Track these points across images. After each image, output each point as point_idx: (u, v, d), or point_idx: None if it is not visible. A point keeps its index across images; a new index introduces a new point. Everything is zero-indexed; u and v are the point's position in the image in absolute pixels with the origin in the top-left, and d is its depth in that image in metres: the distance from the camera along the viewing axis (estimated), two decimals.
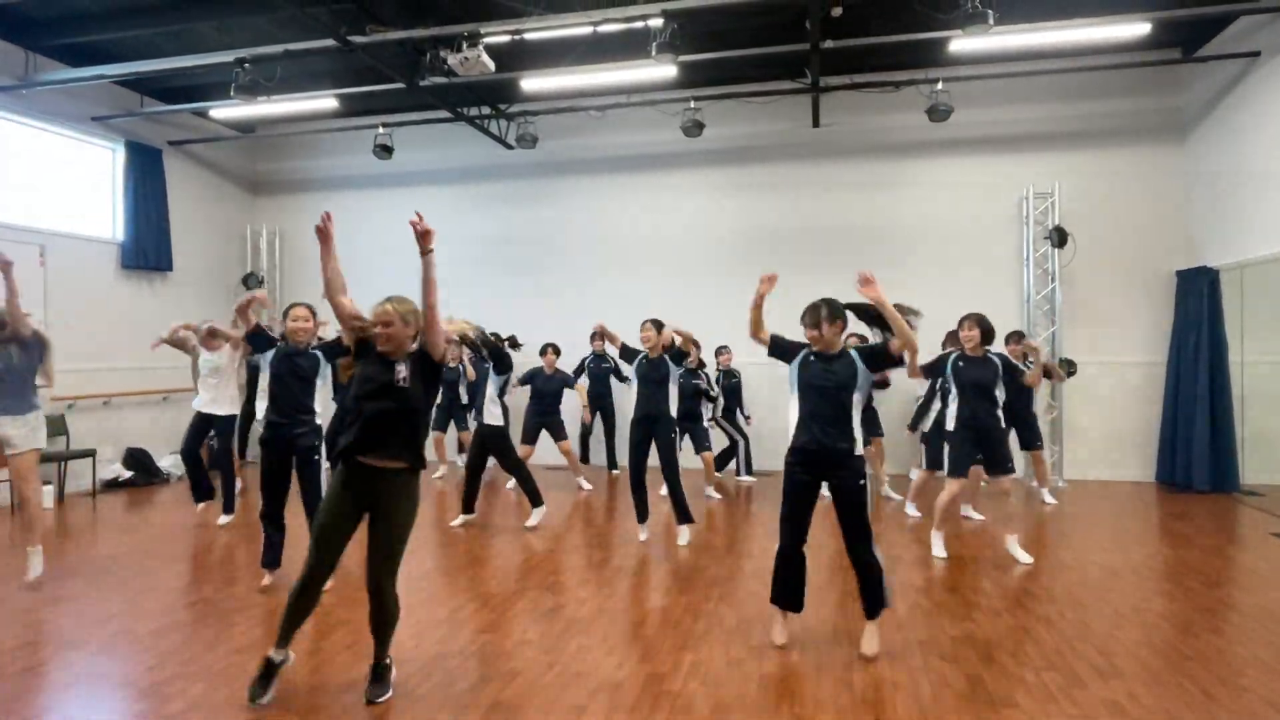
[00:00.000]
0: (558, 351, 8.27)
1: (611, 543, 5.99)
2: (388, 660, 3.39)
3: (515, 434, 7.28)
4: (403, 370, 3.29)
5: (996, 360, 5.44)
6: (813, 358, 3.95)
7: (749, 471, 8.62)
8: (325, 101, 8.59)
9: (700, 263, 9.68)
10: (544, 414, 8.04)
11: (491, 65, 6.69)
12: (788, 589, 3.91)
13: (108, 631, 4.14)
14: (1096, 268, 8.62)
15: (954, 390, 5.45)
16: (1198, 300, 7.92)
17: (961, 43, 6.87)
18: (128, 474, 8.60)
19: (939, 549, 5.50)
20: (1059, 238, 8.43)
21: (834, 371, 3.86)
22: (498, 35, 6.66)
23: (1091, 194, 8.66)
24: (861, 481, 3.77)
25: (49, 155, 8.59)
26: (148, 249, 9.34)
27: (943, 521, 5.55)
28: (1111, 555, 5.53)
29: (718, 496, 7.73)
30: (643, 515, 5.93)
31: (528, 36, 6.74)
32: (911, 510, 6.81)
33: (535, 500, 6.52)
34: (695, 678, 3.53)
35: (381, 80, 8.23)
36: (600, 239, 10.01)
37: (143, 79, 8.76)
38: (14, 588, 4.88)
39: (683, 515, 5.89)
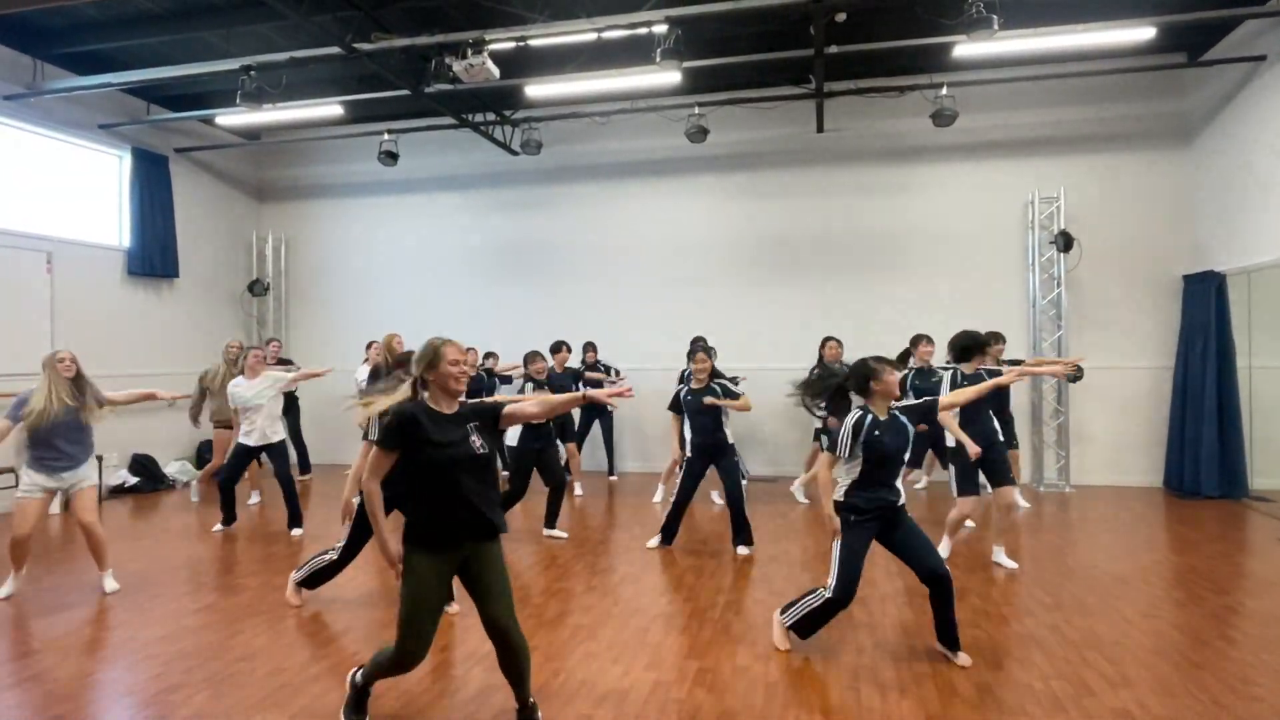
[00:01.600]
0: (569, 349, 8.34)
1: (615, 549, 5.98)
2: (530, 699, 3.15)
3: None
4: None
5: (984, 374, 5.28)
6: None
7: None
8: (330, 108, 8.61)
9: (705, 268, 9.68)
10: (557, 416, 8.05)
11: (496, 72, 6.71)
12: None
13: (114, 639, 4.14)
14: (1102, 272, 8.59)
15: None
16: (1205, 305, 7.88)
17: (966, 47, 6.86)
18: (134, 480, 8.62)
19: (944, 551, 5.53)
20: (1064, 242, 8.41)
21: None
22: (502, 42, 6.67)
23: (1097, 198, 8.64)
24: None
25: (56, 163, 8.63)
26: (154, 256, 9.38)
27: (953, 530, 5.57)
28: (1120, 562, 5.50)
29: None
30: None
31: (532, 43, 6.75)
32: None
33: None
34: (701, 685, 3.51)
35: (387, 87, 8.26)
36: (605, 245, 10.01)
37: (149, 87, 8.81)
38: (20, 596, 4.89)
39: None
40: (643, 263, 9.88)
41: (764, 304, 9.40)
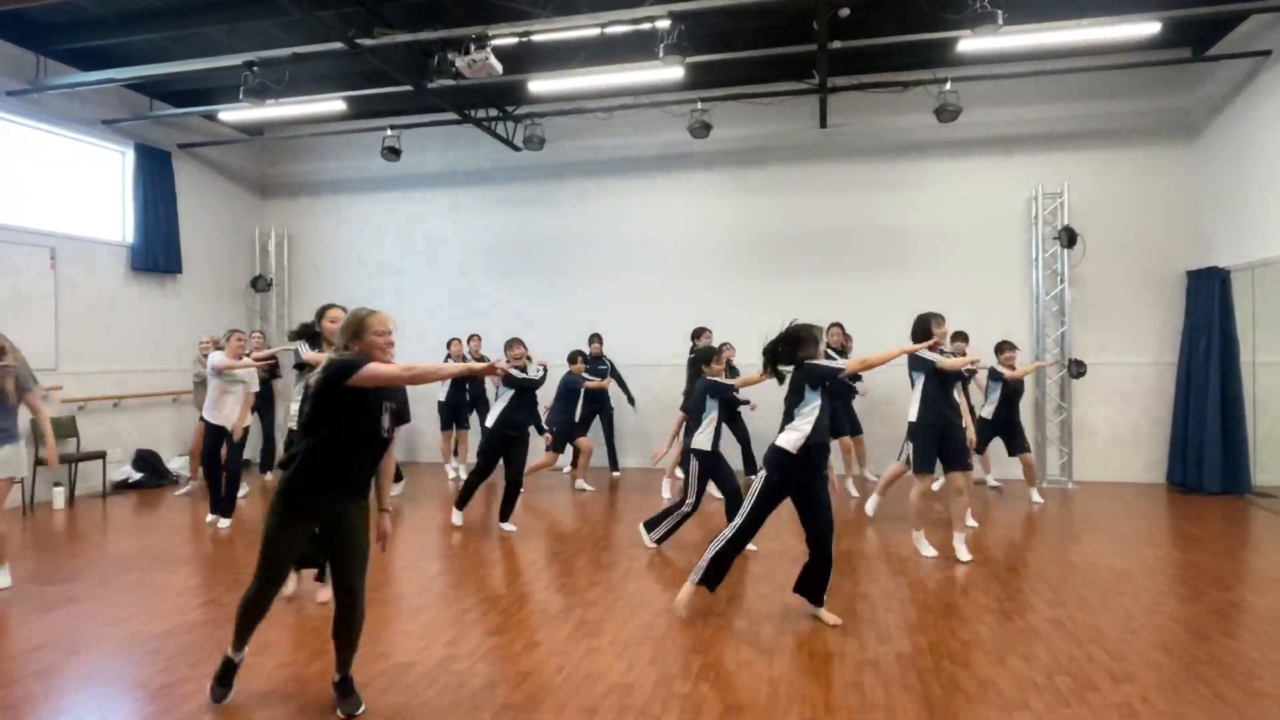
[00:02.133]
0: (586, 360, 8.11)
1: (619, 545, 5.99)
2: (351, 675, 3.32)
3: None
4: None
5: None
6: None
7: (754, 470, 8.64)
8: (333, 104, 8.61)
9: (708, 264, 9.68)
10: (573, 414, 8.06)
11: (499, 67, 6.70)
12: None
13: (120, 633, 4.15)
14: (1106, 268, 8.58)
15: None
16: (1209, 301, 7.87)
17: (970, 43, 6.85)
18: (137, 475, 8.64)
19: (927, 549, 5.58)
20: (1068, 238, 8.39)
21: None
22: (505, 37, 6.66)
23: (1101, 194, 8.62)
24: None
25: (60, 159, 8.64)
26: (157, 252, 9.39)
27: (920, 520, 5.67)
28: (1122, 557, 5.50)
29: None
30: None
31: (535, 38, 6.75)
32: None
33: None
34: (705, 680, 3.52)
35: (389, 83, 8.25)
36: (607, 240, 10.01)
37: (152, 82, 8.81)
38: (24, 591, 4.91)
39: None
40: (645, 259, 9.88)
41: (767, 299, 9.37)
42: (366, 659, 3.75)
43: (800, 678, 3.54)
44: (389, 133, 9.20)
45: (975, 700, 3.29)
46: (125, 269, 9.15)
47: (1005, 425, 7.39)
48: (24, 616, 4.44)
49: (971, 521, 6.56)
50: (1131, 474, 8.55)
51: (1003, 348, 7.44)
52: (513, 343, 6.61)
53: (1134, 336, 8.59)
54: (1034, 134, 8.85)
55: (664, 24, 6.39)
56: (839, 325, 7.88)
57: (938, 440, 5.47)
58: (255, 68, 7.20)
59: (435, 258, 10.54)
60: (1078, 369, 8.35)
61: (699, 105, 8.48)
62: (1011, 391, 7.37)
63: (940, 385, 5.48)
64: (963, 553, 5.43)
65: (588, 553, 5.78)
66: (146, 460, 8.85)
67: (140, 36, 7.72)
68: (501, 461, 6.39)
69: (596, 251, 10.03)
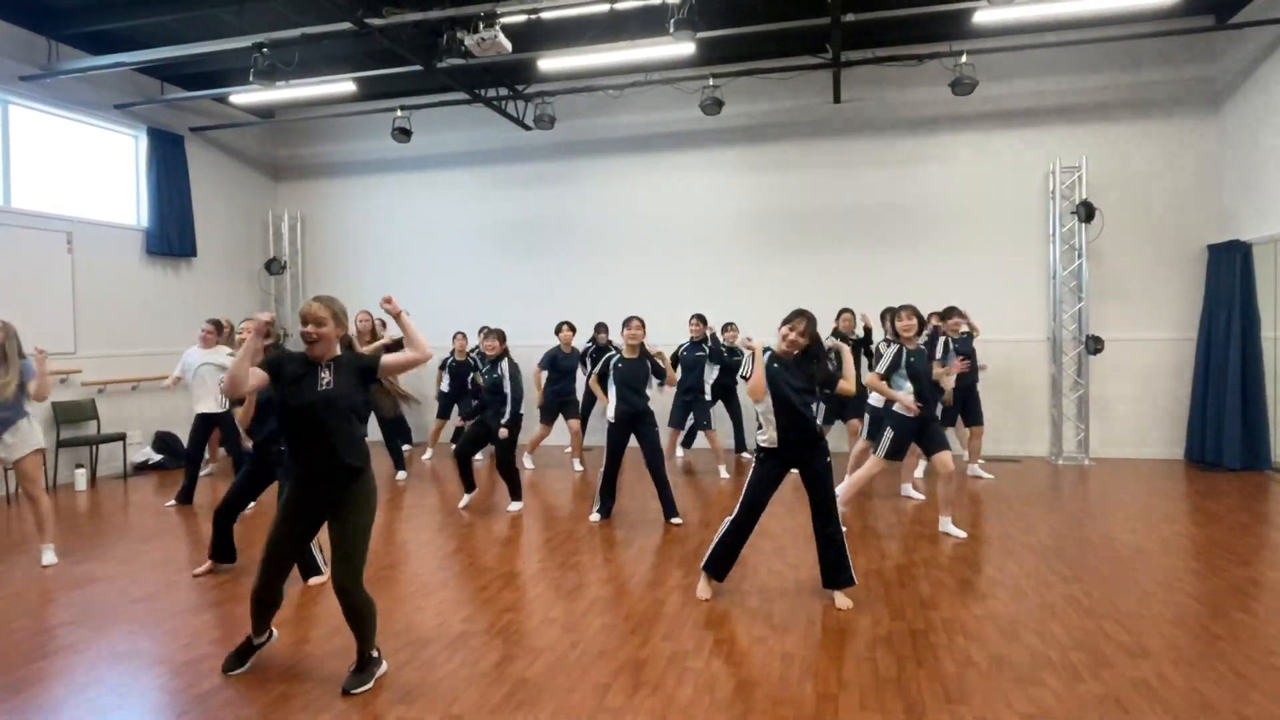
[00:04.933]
0: (573, 329, 8.28)
1: (632, 522, 6.01)
2: (373, 653, 3.36)
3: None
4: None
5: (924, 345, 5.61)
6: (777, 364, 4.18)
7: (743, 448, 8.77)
8: (344, 85, 8.58)
9: (721, 241, 9.63)
10: (563, 392, 8.17)
11: (508, 46, 6.65)
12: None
13: (142, 611, 4.22)
14: (1125, 242, 8.46)
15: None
16: (1229, 275, 7.75)
17: (986, 14, 6.71)
18: (157, 457, 8.76)
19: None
20: (1086, 212, 8.27)
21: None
22: (514, 15, 6.61)
23: (1120, 167, 8.48)
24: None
25: (73, 143, 8.68)
26: (171, 235, 9.44)
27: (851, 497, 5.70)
28: (1140, 534, 5.47)
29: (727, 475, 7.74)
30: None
31: (544, 16, 6.69)
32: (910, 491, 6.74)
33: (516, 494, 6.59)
34: (719, 656, 3.54)
35: (399, 63, 8.21)
36: (619, 219, 9.97)
37: (163, 66, 8.81)
38: (49, 570, 5.00)
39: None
40: (658, 237, 9.83)
41: (781, 276, 9.33)
42: (384, 635, 3.79)
43: (813, 653, 3.55)
44: (399, 113, 9.17)
45: (989, 676, 3.29)
46: (140, 252, 9.22)
47: (962, 394, 7.32)
48: (51, 594, 4.53)
49: (916, 494, 6.64)
50: (1150, 450, 8.47)
51: (949, 314, 7.27)
52: (486, 334, 6.59)
53: (1153, 312, 8.48)
54: (1051, 106, 8.70)
55: None
56: (850, 311, 7.81)
57: (916, 431, 5.45)
58: (265, 49, 7.18)
59: (446, 238, 10.54)
60: (1095, 345, 8.26)
61: (710, 81, 8.39)
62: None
63: (916, 380, 5.50)
64: (954, 530, 5.47)
65: (601, 531, 5.80)
66: (165, 442, 8.97)
67: (151, 19, 7.70)
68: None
69: (609, 230, 9.99)
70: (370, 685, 3.28)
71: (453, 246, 10.51)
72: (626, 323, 6.05)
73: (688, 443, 9.00)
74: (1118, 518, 5.96)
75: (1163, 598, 4.20)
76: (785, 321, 4.16)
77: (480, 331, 6.93)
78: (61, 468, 7.86)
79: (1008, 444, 8.79)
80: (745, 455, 8.67)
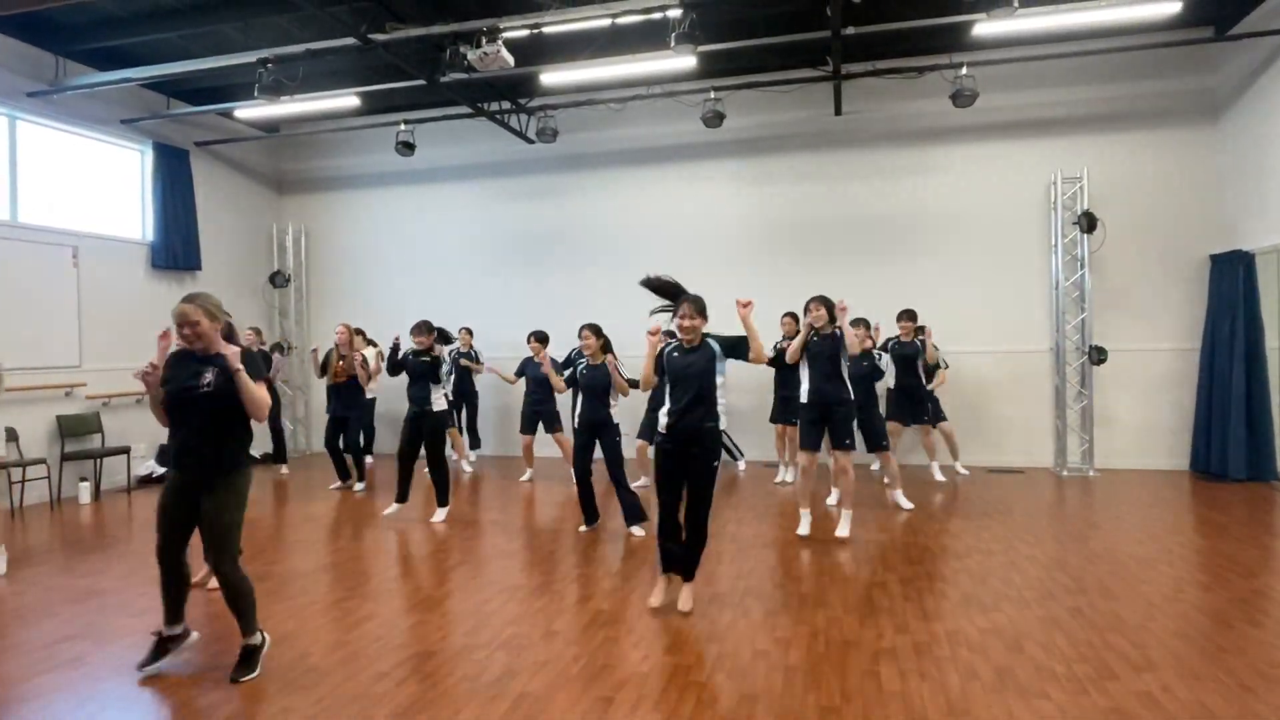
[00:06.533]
0: (543, 340, 8.03)
1: (633, 536, 6.00)
2: (255, 641, 3.54)
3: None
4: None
5: (839, 335, 5.66)
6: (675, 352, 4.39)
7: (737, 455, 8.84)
8: (347, 100, 8.65)
9: (723, 254, 9.64)
10: (539, 403, 8.21)
11: (511, 60, 6.70)
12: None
13: (145, 625, 4.22)
14: (1127, 253, 8.46)
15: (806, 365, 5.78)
16: (1233, 285, 7.74)
17: (986, 26, 6.74)
18: (161, 470, 8.77)
19: (805, 528, 5.81)
20: (1088, 223, 8.28)
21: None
22: (516, 30, 6.66)
23: (1121, 178, 8.49)
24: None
25: (80, 158, 8.76)
26: (176, 249, 9.50)
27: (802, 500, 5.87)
28: (1144, 545, 5.45)
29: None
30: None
31: (546, 30, 6.74)
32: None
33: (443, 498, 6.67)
34: (721, 669, 3.53)
35: (402, 77, 8.28)
36: (622, 232, 10.00)
37: (169, 81, 8.89)
38: (53, 584, 5.00)
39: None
40: (660, 249, 9.84)
41: (783, 289, 9.29)
42: (386, 649, 3.80)
43: (816, 667, 3.54)
44: (402, 127, 9.24)
45: (993, 689, 3.28)
46: (146, 266, 9.27)
47: (900, 394, 7.54)
48: (54, 608, 4.53)
49: (907, 504, 6.68)
50: (1154, 461, 8.44)
51: (900, 318, 7.58)
52: (417, 328, 6.65)
53: (1156, 322, 8.47)
54: (1052, 118, 8.73)
55: (675, 13, 6.36)
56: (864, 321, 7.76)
57: (818, 419, 5.69)
58: (270, 65, 7.25)
59: (450, 250, 10.58)
60: (1098, 356, 8.25)
61: (712, 94, 8.44)
62: (904, 360, 7.50)
63: (814, 366, 5.70)
64: (843, 529, 5.69)
65: (605, 543, 5.80)
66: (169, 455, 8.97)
67: (157, 35, 7.79)
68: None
69: (611, 242, 10.02)
70: (258, 671, 3.48)
71: (456, 259, 10.55)
72: (579, 332, 6.16)
73: None
74: (1122, 529, 5.93)
75: (1167, 610, 4.17)
76: (676, 312, 4.45)
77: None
78: (66, 481, 7.88)
79: (1012, 455, 8.77)
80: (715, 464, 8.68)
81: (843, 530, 5.71)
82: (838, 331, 5.60)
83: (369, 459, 9.15)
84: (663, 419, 4.28)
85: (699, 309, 4.41)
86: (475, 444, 9.69)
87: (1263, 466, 7.53)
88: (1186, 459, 8.30)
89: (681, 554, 4.30)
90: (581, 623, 4.15)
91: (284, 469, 9.25)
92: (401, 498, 6.64)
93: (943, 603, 4.34)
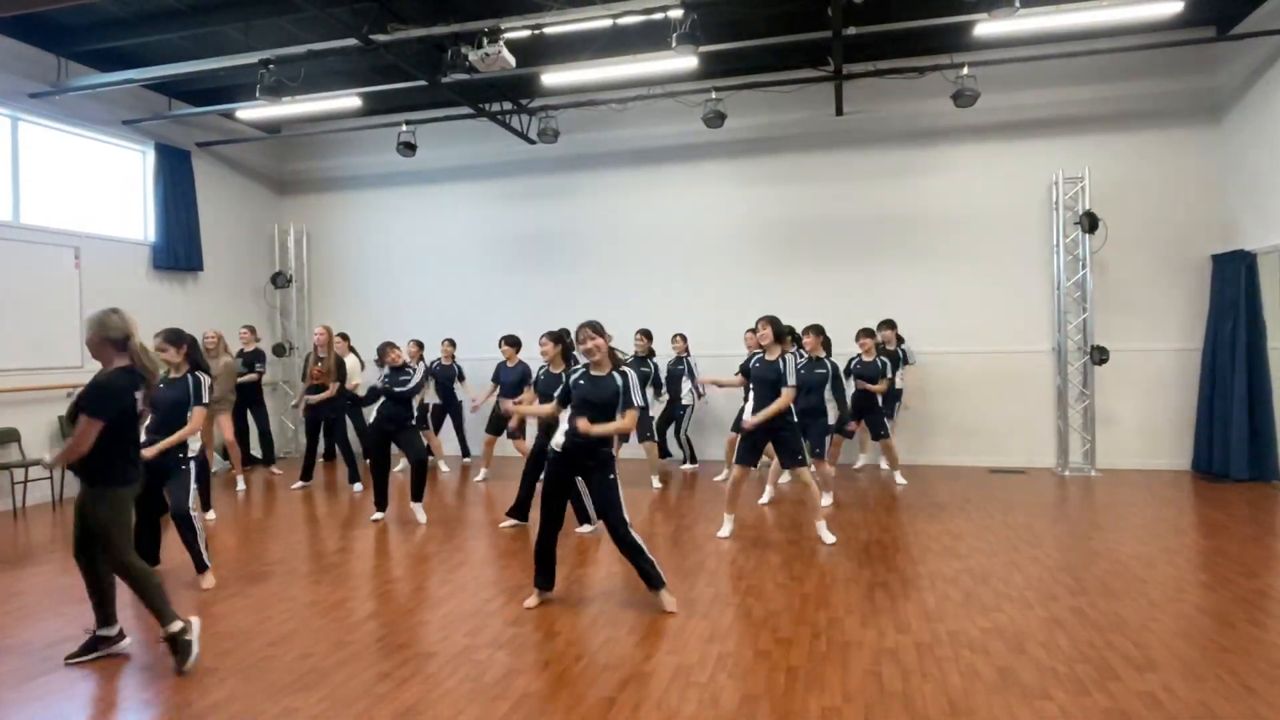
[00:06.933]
0: (514, 344, 8.09)
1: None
2: (175, 628, 3.62)
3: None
4: None
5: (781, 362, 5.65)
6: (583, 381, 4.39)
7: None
8: (349, 100, 8.66)
9: (724, 254, 9.65)
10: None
11: (512, 61, 6.70)
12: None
13: (148, 625, 4.22)
14: (1129, 253, 8.45)
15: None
16: (1234, 285, 7.73)
17: (987, 26, 6.73)
18: None
19: (727, 530, 5.90)
20: (1090, 223, 8.27)
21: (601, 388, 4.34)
22: (518, 30, 6.66)
23: (1123, 178, 8.49)
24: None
25: (82, 159, 8.77)
26: (178, 250, 9.51)
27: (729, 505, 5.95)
28: (1146, 545, 5.44)
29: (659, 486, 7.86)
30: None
31: (548, 31, 6.74)
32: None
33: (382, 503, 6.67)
34: (723, 669, 3.53)
35: (404, 78, 8.29)
36: (623, 232, 10.01)
37: (171, 82, 8.90)
38: (55, 584, 5.01)
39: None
40: (661, 249, 9.86)
41: (783, 290, 9.33)
42: (387, 649, 3.80)
43: (818, 667, 3.54)
44: (404, 128, 9.24)
45: (995, 689, 3.28)
46: (147, 267, 9.28)
47: (860, 408, 7.55)
48: (55, 608, 4.54)
49: (826, 500, 6.72)
50: (1156, 461, 8.44)
51: (859, 335, 7.66)
52: (386, 347, 6.64)
53: (1157, 322, 8.47)
54: (1054, 118, 8.72)
55: (676, 13, 6.36)
56: (868, 331, 7.76)
57: (757, 442, 5.72)
58: (271, 65, 7.26)
59: (451, 251, 10.59)
60: (1100, 356, 8.25)
61: (713, 95, 8.44)
62: (861, 377, 7.54)
63: (757, 389, 5.69)
64: (826, 535, 5.65)
65: (606, 544, 5.79)
66: None
67: (159, 37, 7.80)
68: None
69: (612, 243, 10.03)
70: (195, 655, 3.58)
71: (457, 260, 10.56)
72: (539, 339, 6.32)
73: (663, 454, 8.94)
74: (1124, 529, 5.93)
75: (1170, 610, 4.17)
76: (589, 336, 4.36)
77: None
78: (68, 482, 7.89)
79: (1013, 455, 8.77)
80: (686, 468, 8.78)
81: (826, 536, 5.64)
82: (785, 355, 5.60)
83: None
84: (559, 438, 4.36)
85: (596, 329, 4.40)
86: (465, 453, 9.72)
87: (1264, 466, 7.52)
88: (1188, 459, 8.30)
89: (640, 571, 4.35)
90: (583, 623, 4.15)
91: (275, 470, 9.28)
92: (380, 505, 6.62)
93: (944, 603, 4.34)
